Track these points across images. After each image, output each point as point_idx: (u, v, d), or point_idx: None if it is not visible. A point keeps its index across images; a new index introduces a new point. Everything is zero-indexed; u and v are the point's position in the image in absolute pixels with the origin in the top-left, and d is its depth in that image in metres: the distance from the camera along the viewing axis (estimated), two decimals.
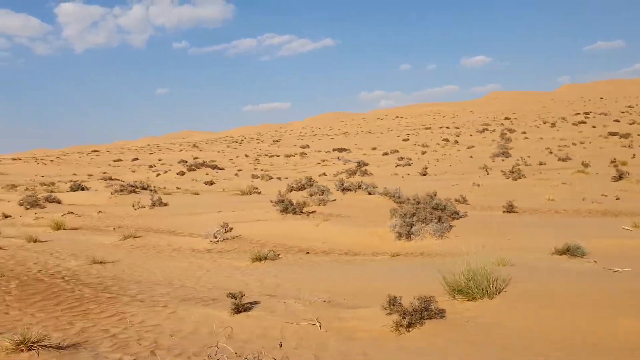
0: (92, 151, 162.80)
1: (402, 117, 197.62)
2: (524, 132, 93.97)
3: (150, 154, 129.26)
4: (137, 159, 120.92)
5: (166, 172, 68.50)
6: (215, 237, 15.72)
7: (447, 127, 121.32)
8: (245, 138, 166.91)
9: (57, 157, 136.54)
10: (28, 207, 25.12)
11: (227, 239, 16.01)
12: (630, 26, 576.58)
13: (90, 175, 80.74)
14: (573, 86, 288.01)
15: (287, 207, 18.90)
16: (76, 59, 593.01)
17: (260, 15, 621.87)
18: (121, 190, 28.49)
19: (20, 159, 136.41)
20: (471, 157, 57.73)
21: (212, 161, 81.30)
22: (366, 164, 55.90)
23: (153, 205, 23.49)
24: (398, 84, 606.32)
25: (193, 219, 20.86)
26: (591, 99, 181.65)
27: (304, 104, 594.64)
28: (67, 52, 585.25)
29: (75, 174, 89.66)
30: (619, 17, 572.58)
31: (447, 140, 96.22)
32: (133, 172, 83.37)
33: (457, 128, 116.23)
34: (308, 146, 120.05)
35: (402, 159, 59.04)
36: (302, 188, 30.30)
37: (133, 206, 23.35)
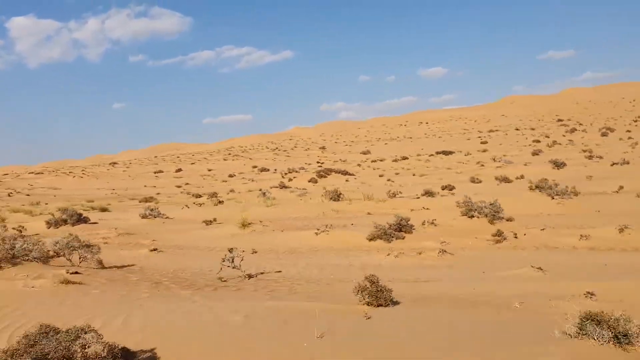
0: (110, 163, 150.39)
1: (426, 123, 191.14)
2: (629, 131, 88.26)
3: (192, 164, 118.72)
4: (180, 169, 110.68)
5: (291, 180, 59.17)
6: None
7: (516, 129, 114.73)
8: (279, 147, 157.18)
9: (83, 171, 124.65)
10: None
11: None
12: (580, 36, 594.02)
13: (187, 188, 70.35)
14: (575, 90, 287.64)
15: None
16: (30, 74, 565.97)
17: (218, 27, 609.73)
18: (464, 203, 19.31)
19: (41, 173, 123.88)
20: None
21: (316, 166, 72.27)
22: (564, 164, 48.05)
23: None
24: (358, 95, 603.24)
25: None
26: (624, 100, 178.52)
27: (266, 116, 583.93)
28: (20, 66, 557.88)
29: (147, 185, 78.94)
30: (570, 27, 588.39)
31: (538, 141, 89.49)
32: (224, 181, 73.54)
33: (533, 129, 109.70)
34: (369, 152, 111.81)
35: (593, 157, 51.49)
36: None
37: None
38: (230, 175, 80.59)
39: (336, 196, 29.51)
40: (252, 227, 18.56)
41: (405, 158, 77.90)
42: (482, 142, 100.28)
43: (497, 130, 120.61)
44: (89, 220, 24.58)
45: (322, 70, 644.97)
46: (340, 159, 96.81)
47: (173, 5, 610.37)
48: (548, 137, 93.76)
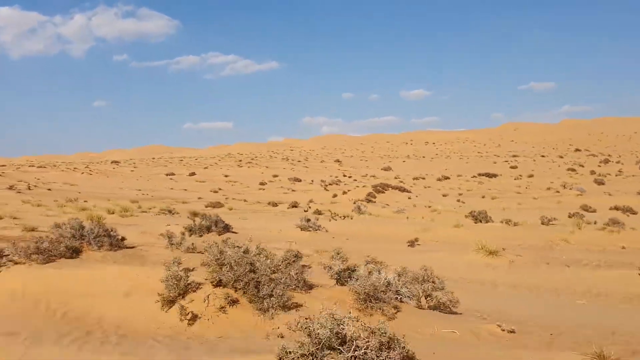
0: (112, 162, 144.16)
1: (432, 143, 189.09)
2: None
3: (205, 168, 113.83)
4: (194, 173, 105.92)
5: (345, 193, 55.20)
6: None
7: (542, 156, 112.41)
8: (288, 157, 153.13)
9: (86, 167, 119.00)
10: None
11: None
12: (561, 69, 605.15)
13: (228, 193, 65.68)
14: (572, 121, 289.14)
15: None
16: (12, 65, 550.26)
17: (206, 33, 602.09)
18: None
19: (44, 167, 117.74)
20: None
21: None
22: None
23: None
24: (341, 111, 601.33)
25: None
26: (637, 134, 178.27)
27: (247, 124, 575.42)
28: (2, 57, 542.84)
29: (174, 188, 74.11)
30: (551, 59, 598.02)
31: (573, 170, 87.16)
32: (261, 189, 69.09)
33: (561, 157, 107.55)
34: (390, 169, 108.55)
35: None
36: None
37: None
38: (262, 183, 76.30)
39: (482, 218, 25.87)
40: (504, 257, 14.66)
41: (447, 178, 74.57)
42: (511, 167, 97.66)
43: (518, 156, 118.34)
44: (232, 228, 20.46)
45: (306, 84, 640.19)
46: (368, 175, 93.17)
47: (162, 7, 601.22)
48: (582, 166, 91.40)
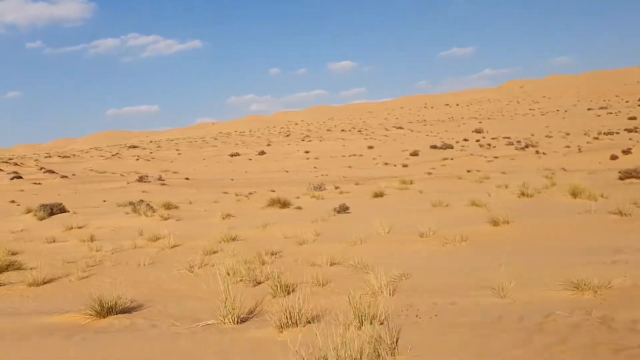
0: (129, 147, 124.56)
1: (457, 105, 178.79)
2: None
3: (268, 145, 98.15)
4: (264, 152, 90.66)
5: (614, 158, 42.59)
6: None
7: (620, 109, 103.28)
8: (345, 129, 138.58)
9: (123, 153, 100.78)
10: None
11: None
12: (480, 34, 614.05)
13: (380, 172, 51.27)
14: (557, 77, 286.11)
15: None
16: None
17: (123, 14, 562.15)
18: None
19: (68, 157, 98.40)
20: None
21: None
22: None
23: None
24: (269, 88, 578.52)
25: None
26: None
27: (173, 107, 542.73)
28: None
29: (306, 169, 58.87)
30: (471, 25, 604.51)
31: None
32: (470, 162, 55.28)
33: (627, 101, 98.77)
34: (483, 130, 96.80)
35: None
36: None
37: None
38: (413, 154, 62.54)
39: None
40: None
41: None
42: (630, 118, 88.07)
43: (600, 109, 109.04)
44: None
45: (231, 62, 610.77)
46: (483, 143, 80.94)
47: None
48: None
